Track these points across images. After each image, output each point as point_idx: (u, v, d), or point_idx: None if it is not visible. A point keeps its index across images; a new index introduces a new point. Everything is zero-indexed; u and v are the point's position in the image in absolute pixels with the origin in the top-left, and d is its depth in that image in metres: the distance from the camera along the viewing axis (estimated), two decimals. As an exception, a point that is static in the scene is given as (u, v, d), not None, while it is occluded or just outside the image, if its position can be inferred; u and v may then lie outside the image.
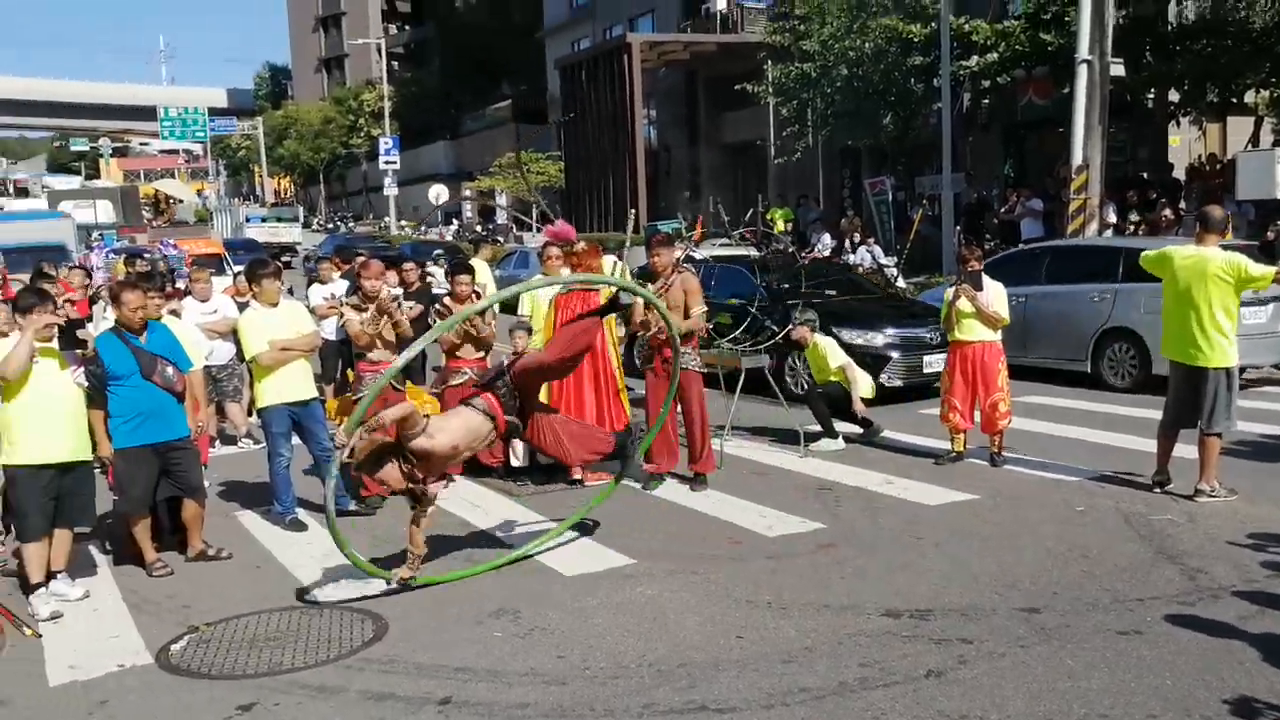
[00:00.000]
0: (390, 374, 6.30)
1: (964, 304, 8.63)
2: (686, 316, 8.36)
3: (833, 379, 9.86)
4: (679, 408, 8.43)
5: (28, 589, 6.36)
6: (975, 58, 21.67)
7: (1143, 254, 7.93)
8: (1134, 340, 11.73)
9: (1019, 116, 24.35)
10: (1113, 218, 18.72)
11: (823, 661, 5.01)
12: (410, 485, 6.16)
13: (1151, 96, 21.51)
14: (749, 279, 12.81)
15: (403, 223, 52.46)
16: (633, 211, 11.05)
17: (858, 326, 11.72)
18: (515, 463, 8.78)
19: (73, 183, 66.83)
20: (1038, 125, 24.51)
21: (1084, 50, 16.96)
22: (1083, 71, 17.03)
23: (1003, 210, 22.47)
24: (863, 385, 9.80)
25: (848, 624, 5.46)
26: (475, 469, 8.91)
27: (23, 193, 61.66)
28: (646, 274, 8.67)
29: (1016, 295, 10.16)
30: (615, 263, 10.86)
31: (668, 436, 8.50)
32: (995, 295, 8.70)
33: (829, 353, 9.95)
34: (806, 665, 4.98)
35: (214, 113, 74.24)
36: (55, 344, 6.38)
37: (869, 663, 4.96)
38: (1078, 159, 17.23)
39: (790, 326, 10.20)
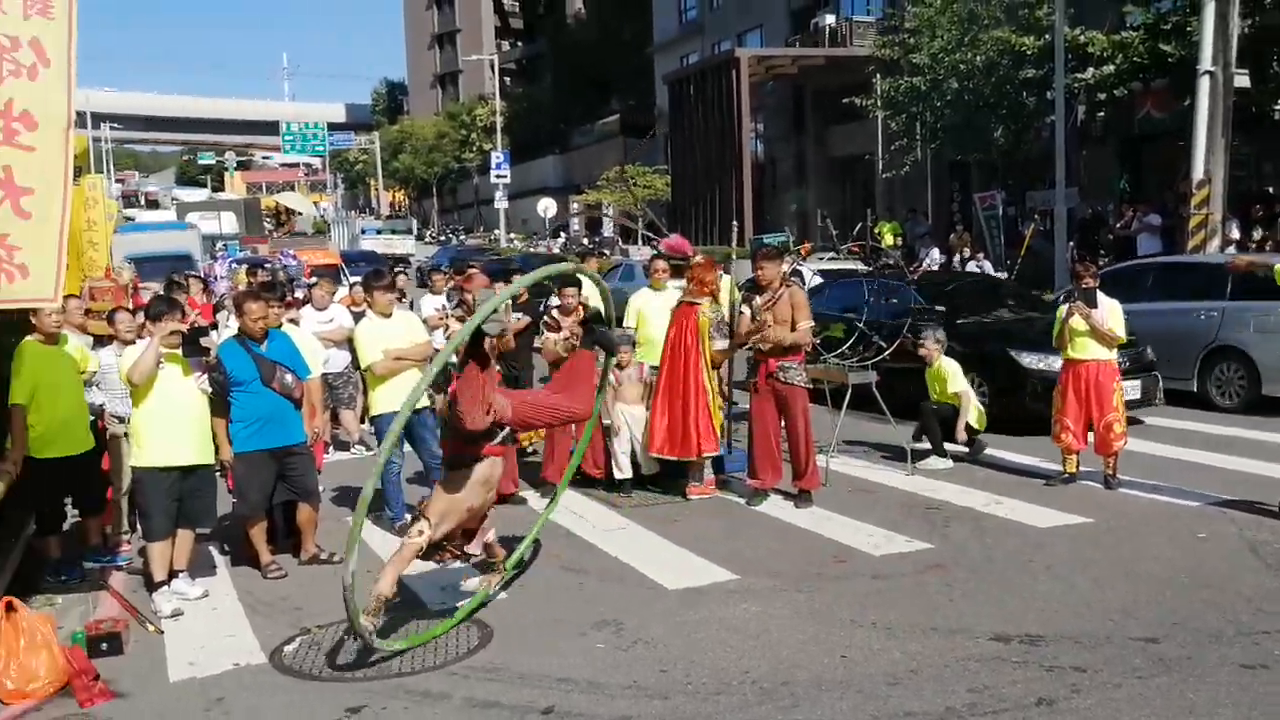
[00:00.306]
0: (417, 391, 5.63)
1: (1078, 321, 8.41)
2: (793, 330, 8.31)
3: (946, 401, 9.70)
4: (784, 423, 8.38)
5: (151, 586, 6.61)
6: (1091, 70, 21.12)
7: (1275, 266, 7.63)
8: (1243, 359, 11.34)
9: (1136, 129, 23.65)
10: (1236, 234, 18.07)
11: (929, 685, 4.92)
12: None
13: (1279, 108, 20.69)
14: (903, 294, 12.44)
15: (512, 235, 53.22)
16: (735, 224, 10.98)
17: (1038, 350, 10.55)
18: (618, 475, 8.82)
19: (200, 195, 69.55)
20: (1156, 138, 23.76)
21: (1206, 61, 16.43)
22: (1205, 83, 16.49)
23: (1118, 225, 21.84)
24: (974, 414, 9.64)
25: (955, 648, 5.35)
26: (580, 480, 8.99)
27: (153, 204, 64.34)
28: (754, 287, 8.64)
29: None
30: (721, 275, 10.87)
31: (771, 452, 8.46)
32: (1110, 312, 8.47)
33: (951, 376, 9.76)
34: (912, 689, 4.90)
35: (333, 128, 76.50)
36: (180, 351, 6.62)
37: (977, 688, 4.86)
38: (1199, 173, 16.68)
39: (911, 342, 9.98)
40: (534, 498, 8.84)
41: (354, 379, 10.81)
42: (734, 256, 9.51)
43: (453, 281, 13.00)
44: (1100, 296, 8.47)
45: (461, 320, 8.53)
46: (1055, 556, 6.76)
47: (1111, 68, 20.61)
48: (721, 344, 8.65)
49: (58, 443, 6.92)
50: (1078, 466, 8.62)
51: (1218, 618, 5.61)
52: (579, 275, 9.15)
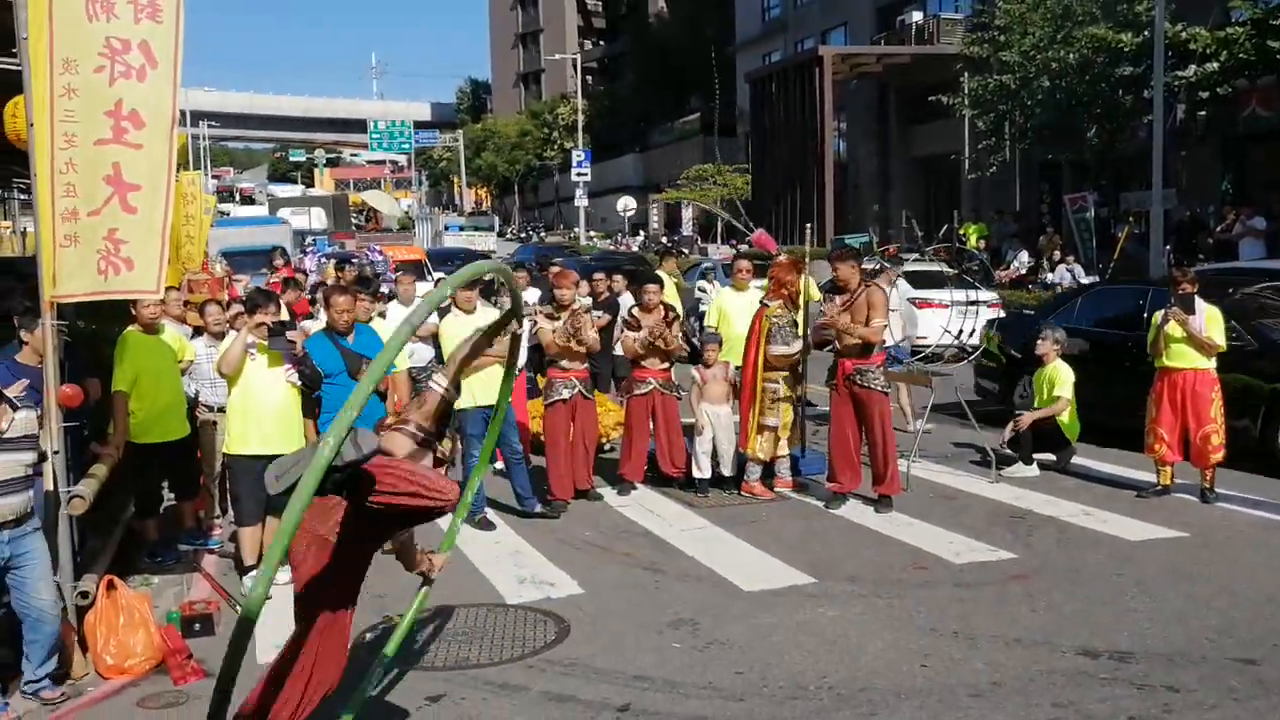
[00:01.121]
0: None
1: (1174, 328, 8.15)
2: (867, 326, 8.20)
3: (1045, 405, 9.47)
4: (863, 427, 8.27)
5: (242, 570, 6.78)
6: (1193, 67, 20.51)
7: None
8: None
9: (1240, 129, 22.91)
10: (1345, 239, 17.41)
11: (1012, 699, 4.81)
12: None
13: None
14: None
15: (592, 233, 53.43)
16: (809, 226, 10.82)
17: None
18: (697, 474, 8.80)
19: (295, 190, 71.09)
20: (1262, 138, 23.00)
21: (1316, 58, 15.85)
22: (1315, 82, 15.91)
23: (1219, 229, 21.18)
24: (1069, 418, 9.41)
25: (1040, 661, 5.23)
26: (658, 479, 8.99)
27: (248, 200, 65.91)
28: (834, 289, 8.55)
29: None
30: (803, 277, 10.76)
31: (849, 455, 8.35)
32: (1209, 319, 8.18)
33: (1059, 379, 9.52)
34: (995, 701, 4.79)
35: (418, 126, 77.45)
36: (268, 343, 6.76)
37: (1063, 703, 4.73)
38: (1306, 175, 16.09)
39: (1038, 340, 9.78)
40: (610, 494, 8.84)
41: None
42: (808, 257, 9.35)
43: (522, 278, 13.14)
44: (1199, 303, 8.19)
45: (550, 316, 8.53)
46: (1147, 571, 6.57)
47: (1215, 65, 20.00)
48: (782, 348, 8.52)
49: (156, 429, 7.15)
50: (1172, 479, 8.36)
51: (1318, 638, 5.40)
52: (658, 274, 9.15)
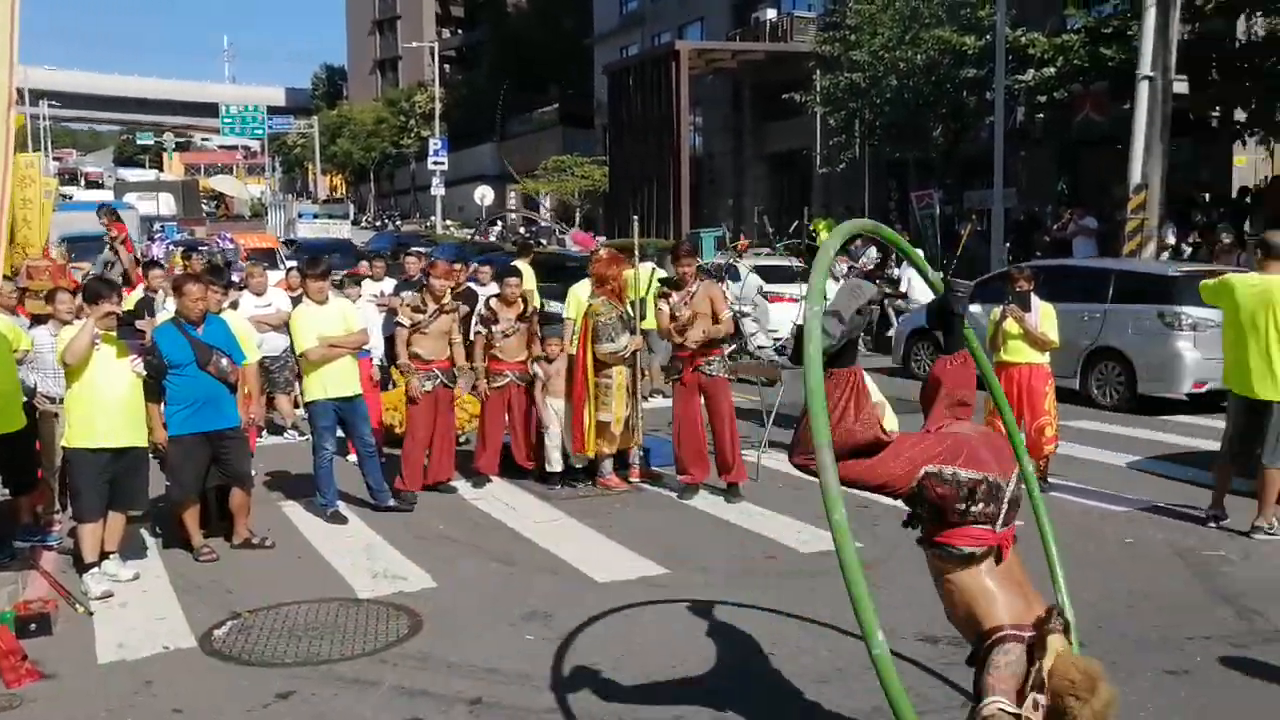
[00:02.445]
0: None
1: (1011, 325, 8.53)
2: (716, 323, 8.36)
3: None
4: (707, 418, 8.40)
5: (81, 567, 6.51)
6: (1031, 71, 21.42)
7: (1201, 283, 7.80)
8: (1121, 360, 11.90)
9: (1075, 133, 24.04)
10: (1172, 239, 18.40)
11: (856, 684, 4.95)
12: None
13: (1217, 115, 21.13)
14: None
15: (448, 223, 52.78)
16: (635, 218, 10.79)
17: None
18: (549, 469, 8.79)
19: (149, 175, 68.13)
20: (1095, 142, 24.17)
21: (1146, 66, 16.71)
22: (1144, 88, 16.78)
23: (1055, 228, 22.19)
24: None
25: (882, 645, 5.40)
26: (514, 471, 8.97)
27: (94, 185, 62.89)
28: (673, 283, 8.61)
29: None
30: (653, 269, 10.86)
31: (700, 447, 8.48)
32: (1044, 316, 8.58)
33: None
34: (840, 686, 4.94)
35: (272, 111, 75.14)
36: (115, 333, 6.51)
37: (905, 688, 4.90)
38: (1136, 178, 16.98)
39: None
40: (465, 487, 8.79)
41: (290, 364, 10.67)
42: (636, 250, 9.23)
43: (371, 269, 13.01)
44: (1034, 300, 8.58)
45: (416, 309, 8.39)
46: (982, 555, 6.84)
47: (1052, 70, 20.91)
48: (609, 345, 8.55)
49: (-11, 421, 6.76)
50: None
51: (1142, 624, 5.71)
52: (517, 266, 9.11)
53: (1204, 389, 11.47)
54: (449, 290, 8.86)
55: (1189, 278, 11.90)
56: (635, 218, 10.51)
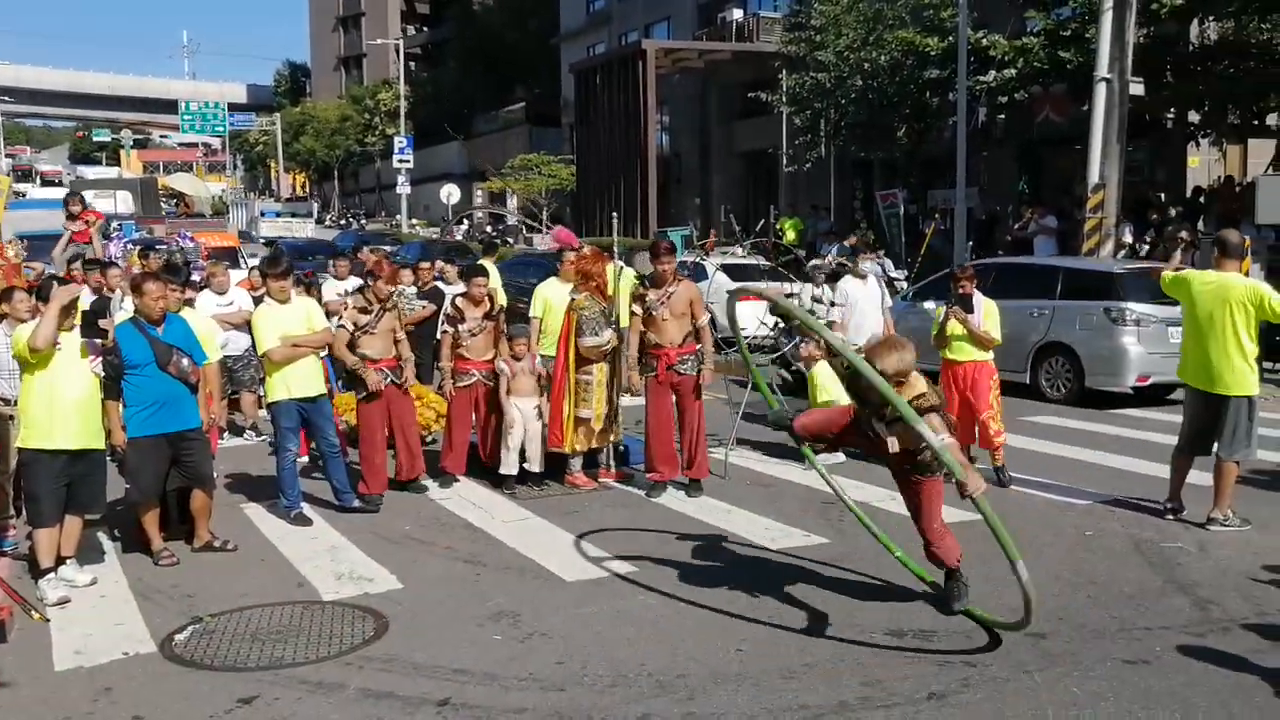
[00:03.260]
0: None
1: (955, 325, 8.66)
2: (694, 322, 8.38)
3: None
4: (677, 413, 8.42)
5: (37, 573, 6.39)
6: (993, 73, 21.65)
7: (1163, 275, 7.94)
8: (1069, 355, 12.28)
9: (1035, 133, 24.31)
10: (1129, 238, 18.68)
11: (823, 679, 4.99)
12: None
13: (1171, 116, 21.46)
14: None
15: (414, 221, 52.53)
16: (614, 215, 10.80)
17: None
18: (504, 470, 8.65)
19: (109, 173, 67.22)
20: (1054, 143, 24.47)
21: (1103, 68, 16.93)
22: (1101, 90, 17.00)
23: (1016, 227, 22.43)
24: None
25: (849, 641, 5.44)
26: (480, 469, 8.92)
27: (50, 183, 62.05)
28: (653, 281, 8.63)
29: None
30: (621, 267, 10.84)
31: (670, 445, 8.50)
32: (987, 314, 8.72)
33: (821, 386, 9.47)
34: (807, 682, 4.96)
35: (233, 108, 74.56)
36: (76, 332, 6.41)
37: (870, 682, 4.94)
38: (1094, 178, 17.20)
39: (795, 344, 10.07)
40: (432, 486, 8.74)
41: (254, 362, 10.56)
42: (616, 248, 9.23)
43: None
44: (977, 298, 8.74)
45: (363, 310, 8.32)
46: (947, 550, 6.90)
47: (1013, 71, 21.15)
48: (592, 339, 8.55)
49: (-61, 425, 6.65)
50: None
51: (1102, 614, 5.79)
52: (484, 266, 9.05)
53: (1148, 382, 11.83)
54: (403, 290, 8.77)
55: (1135, 275, 12.36)
56: (615, 215, 10.51)
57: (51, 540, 6.39)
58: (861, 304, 10.10)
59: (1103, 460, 9.54)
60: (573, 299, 8.68)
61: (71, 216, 14.76)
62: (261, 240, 35.06)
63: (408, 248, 29.47)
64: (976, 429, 8.67)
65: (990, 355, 8.75)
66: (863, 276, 10.41)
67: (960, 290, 8.71)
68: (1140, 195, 21.57)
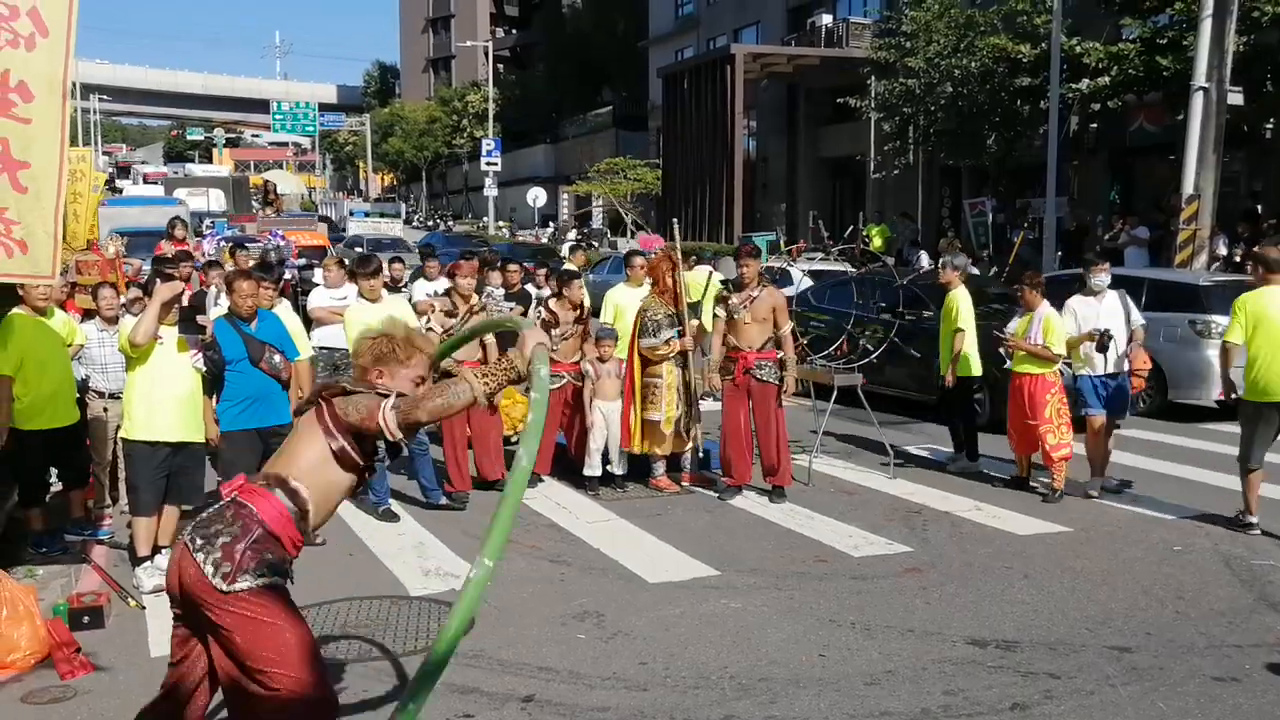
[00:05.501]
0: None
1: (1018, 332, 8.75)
2: (776, 328, 8.39)
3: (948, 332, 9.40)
4: (754, 420, 8.44)
5: (134, 561, 6.61)
6: (1086, 80, 21.22)
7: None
8: (1154, 367, 11.67)
9: (1129, 142, 23.79)
10: (1223, 250, 18.19)
11: (905, 686, 4.98)
12: None
13: (1270, 127, 20.84)
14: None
15: (500, 224, 53.09)
16: (675, 221, 10.67)
17: None
18: (587, 472, 8.77)
19: (219, 171, 69.16)
20: (1148, 152, 23.93)
21: (1201, 77, 16.52)
22: (1199, 98, 16.59)
23: (1106, 237, 21.99)
24: (974, 362, 9.42)
25: (932, 650, 5.42)
26: (564, 472, 9.03)
27: (152, 184, 64.11)
28: (735, 284, 8.68)
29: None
30: (710, 273, 10.88)
31: (743, 449, 8.53)
32: (1047, 330, 8.59)
33: (957, 307, 9.27)
34: (889, 689, 4.96)
35: (324, 108, 75.97)
36: (177, 327, 6.62)
37: (953, 691, 4.92)
38: (1189, 188, 16.79)
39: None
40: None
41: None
42: (678, 253, 9.13)
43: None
44: (1040, 311, 8.66)
45: (449, 314, 8.47)
46: (1033, 564, 6.84)
47: (1106, 79, 20.71)
48: (650, 339, 8.57)
49: (43, 415, 6.90)
50: (1027, 470, 8.93)
51: (1190, 630, 5.70)
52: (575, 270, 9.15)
53: (1233, 397, 11.43)
54: (490, 292, 8.89)
55: (1220, 287, 12.00)
56: (675, 221, 10.54)
57: (150, 529, 6.60)
58: (1103, 324, 8.74)
59: (1190, 474, 9.33)
60: (642, 301, 8.76)
61: (170, 237, 15.18)
62: (344, 239, 35.53)
63: (502, 249, 29.46)
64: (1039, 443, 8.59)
65: (1051, 369, 8.61)
66: (1095, 292, 8.95)
67: (1023, 298, 8.83)
68: (1246, 208, 20.97)
